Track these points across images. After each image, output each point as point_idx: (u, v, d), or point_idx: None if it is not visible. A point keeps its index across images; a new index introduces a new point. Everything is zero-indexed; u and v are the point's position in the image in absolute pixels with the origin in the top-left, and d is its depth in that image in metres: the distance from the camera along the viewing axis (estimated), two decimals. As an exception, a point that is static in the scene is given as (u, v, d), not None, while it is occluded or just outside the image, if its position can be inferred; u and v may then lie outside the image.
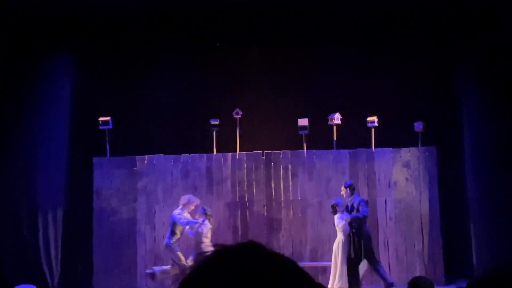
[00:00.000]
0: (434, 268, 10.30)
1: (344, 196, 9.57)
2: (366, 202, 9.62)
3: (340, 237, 9.38)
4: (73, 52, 10.95)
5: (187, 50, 11.17)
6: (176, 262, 9.52)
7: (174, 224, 9.57)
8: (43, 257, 10.40)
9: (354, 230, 9.23)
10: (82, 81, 10.97)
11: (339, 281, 9.28)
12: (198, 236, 9.47)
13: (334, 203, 9.54)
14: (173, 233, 9.55)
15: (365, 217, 9.28)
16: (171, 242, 9.54)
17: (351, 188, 9.53)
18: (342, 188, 9.65)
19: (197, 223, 9.49)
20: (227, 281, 0.94)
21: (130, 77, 11.08)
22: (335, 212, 9.48)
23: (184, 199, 9.76)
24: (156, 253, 10.63)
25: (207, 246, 9.33)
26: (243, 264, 0.96)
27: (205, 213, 9.56)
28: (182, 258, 9.50)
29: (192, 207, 9.67)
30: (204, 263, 0.99)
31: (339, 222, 9.37)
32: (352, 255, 9.23)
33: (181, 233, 9.63)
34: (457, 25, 10.35)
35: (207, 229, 9.48)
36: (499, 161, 9.97)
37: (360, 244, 9.20)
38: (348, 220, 9.26)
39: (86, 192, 10.60)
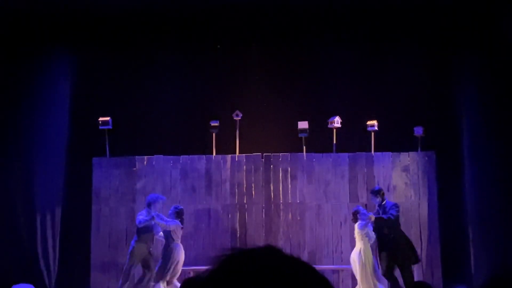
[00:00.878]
0: (432, 273, 10.29)
1: (374, 203, 9.47)
2: (396, 205, 9.34)
3: (359, 246, 9.17)
4: (73, 51, 10.95)
5: (187, 51, 11.17)
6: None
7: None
8: (41, 256, 10.40)
9: (385, 235, 9.07)
10: (82, 81, 10.97)
11: None
12: (166, 236, 9.31)
13: (355, 210, 9.38)
14: (138, 234, 9.34)
15: (390, 219, 9.06)
16: (136, 244, 9.35)
17: (381, 193, 9.41)
18: (372, 195, 9.55)
19: (149, 219, 9.13)
20: (243, 286, 0.93)
21: (130, 78, 11.08)
22: (355, 220, 9.28)
23: (147, 199, 9.56)
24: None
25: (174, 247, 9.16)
26: (260, 269, 0.95)
27: (176, 213, 9.36)
28: (134, 260, 9.37)
29: (159, 206, 9.44)
30: (220, 267, 0.98)
31: (360, 229, 9.16)
32: (387, 262, 9.06)
33: (150, 234, 9.40)
34: (458, 30, 10.35)
35: (174, 227, 9.23)
36: (498, 167, 9.96)
37: (396, 248, 9.01)
38: (373, 218, 9.03)
39: (85, 192, 10.60)
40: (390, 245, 9.08)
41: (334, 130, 10.61)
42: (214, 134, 10.77)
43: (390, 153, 10.64)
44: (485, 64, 10.18)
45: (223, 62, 11.07)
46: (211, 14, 10.65)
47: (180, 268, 9.43)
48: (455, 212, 10.30)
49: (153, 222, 9.32)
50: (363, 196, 10.57)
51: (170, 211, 9.47)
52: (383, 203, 9.31)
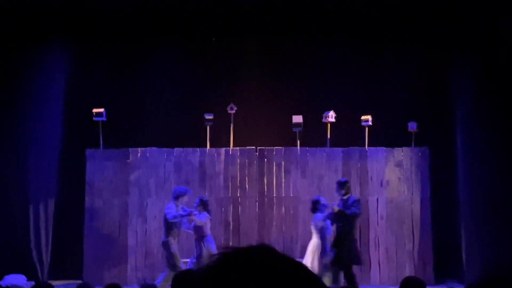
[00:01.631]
0: (424, 268, 10.35)
1: (338, 194, 9.19)
2: (359, 202, 9.17)
3: (315, 240, 8.95)
4: (67, 44, 10.90)
5: (182, 44, 11.15)
6: (168, 262, 8.88)
7: (165, 219, 8.95)
8: (34, 248, 10.38)
9: (342, 229, 8.78)
10: (76, 73, 10.93)
11: None
12: (198, 230, 8.93)
13: (315, 200, 9.12)
14: (168, 229, 8.89)
15: (352, 215, 8.80)
16: (167, 239, 8.86)
17: (346, 186, 9.14)
18: (337, 186, 9.26)
19: (186, 214, 8.75)
20: (236, 285, 0.93)
21: (125, 70, 11.05)
22: (315, 210, 9.04)
23: (174, 191, 9.19)
24: (147, 246, 10.63)
25: (208, 240, 8.84)
26: (254, 267, 0.95)
27: (202, 204, 9.02)
28: (177, 258, 8.84)
29: (186, 199, 8.99)
30: (214, 265, 0.98)
31: (319, 221, 8.91)
32: (345, 257, 8.77)
33: (178, 229, 8.96)
34: (453, 27, 10.36)
35: (206, 220, 8.93)
36: (491, 162, 10.00)
37: (348, 245, 8.77)
38: (336, 210, 8.70)
39: (78, 184, 10.58)
40: (343, 240, 8.80)
41: (328, 124, 10.62)
42: (208, 127, 10.76)
43: (384, 148, 10.66)
44: (479, 61, 10.20)
45: (218, 55, 11.06)
46: (206, 7, 10.63)
47: None
48: (448, 207, 10.35)
49: (183, 218, 8.93)
50: (356, 191, 10.59)
51: (195, 203, 9.04)
52: (345, 197, 9.02)
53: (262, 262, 0.96)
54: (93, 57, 10.99)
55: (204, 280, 0.97)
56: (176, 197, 9.00)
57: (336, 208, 8.79)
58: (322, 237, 8.99)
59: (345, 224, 8.80)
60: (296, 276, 0.96)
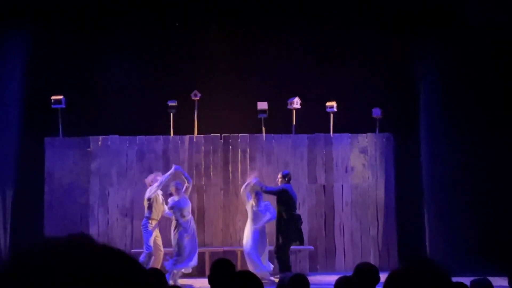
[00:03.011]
0: (388, 253, 10.47)
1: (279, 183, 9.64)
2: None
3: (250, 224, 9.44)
4: (25, 28, 10.47)
5: (145, 29, 10.87)
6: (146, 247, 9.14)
7: (145, 201, 9.27)
8: (-9, 239, 10.00)
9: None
10: (34, 59, 10.53)
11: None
12: (176, 213, 9.12)
13: (255, 182, 9.53)
14: (149, 212, 9.23)
15: (271, 192, 9.57)
16: (147, 222, 9.20)
17: (287, 178, 9.63)
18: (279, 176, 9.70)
19: (161, 182, 9.10)
20: (46, 273, 0.87)
21: (84, 55, 10.70)
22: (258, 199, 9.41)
23: (148, 179, 9.44)
24: (109, 236, 10.39)
25: (187, 223, 9.04)
26: (64, 257, 0.89)
27: (179, 188, 9.16)
28: (152, 242, 9.16)
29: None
30: (22, 256, 0.91)
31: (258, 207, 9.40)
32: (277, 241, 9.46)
33: (158, 213, 9.26)
34: (416, 12, 10.44)
35: (187, 206, 9.15)
36: (454, 148, 10.18)
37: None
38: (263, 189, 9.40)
39: (37, 173, 10.24)
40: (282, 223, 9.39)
41: (294, 111, 10.58)
42: (171, 114, 10.57)
43: (349, 134, 10.70)
44: (443, 46, 10.33)
45: (182, 42, 10.84)
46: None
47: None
48: (412, 193, 10.47)
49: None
50: (322, 177, 10.62)
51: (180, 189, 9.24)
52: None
53: (73, 252, 0.91)
54: (52, 43, 10.60)
55: (10, 270, 0.90)
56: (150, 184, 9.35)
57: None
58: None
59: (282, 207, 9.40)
60: (113, 266, 0.90)
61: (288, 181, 9.65)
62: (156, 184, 9.20)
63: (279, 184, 9.65)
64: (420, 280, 1.51)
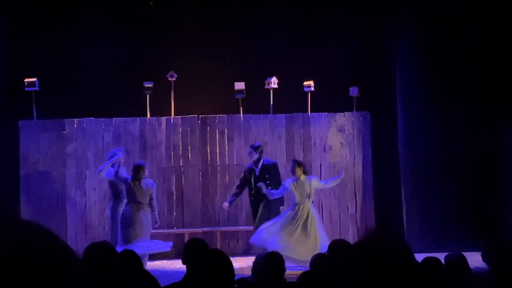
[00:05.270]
0: (366, 230, 10.54)
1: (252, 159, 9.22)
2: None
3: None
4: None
5: (119, 8, 10.68)
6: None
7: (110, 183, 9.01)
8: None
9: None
10: (5, 40, 10.32)
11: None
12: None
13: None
14: (114, 195, 8.97)
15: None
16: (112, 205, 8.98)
17: (259, 150, 9.19)
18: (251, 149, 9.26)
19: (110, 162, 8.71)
20: None
21: (58, 36, 10.50)
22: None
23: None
24: (87, 219, 10.32)
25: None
26: None
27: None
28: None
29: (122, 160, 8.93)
30: None
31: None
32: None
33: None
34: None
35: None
36: (432, 127, 10.24)
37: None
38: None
39: (12, 157, 10.09)
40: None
41: (271, 90, 10.54)
42: (148, 95, 10.47)
43: (326, 113, 10.70)
44: (420, 25, 10.34)
45: (156, 20, 10.68)
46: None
47: None
48: (389, 171, 10.54)
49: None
50: (300, 156, 10.62)
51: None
52: (259, 161, 9.19)
53: None
54: (24, 24, 10.38)
55: None
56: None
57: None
58: None
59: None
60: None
61: (261, 153, 9.23)
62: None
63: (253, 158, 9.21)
64: (376, 255, 1.49)
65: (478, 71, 10.15)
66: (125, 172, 8.84)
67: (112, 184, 9.02)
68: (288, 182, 8.69)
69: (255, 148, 9.29)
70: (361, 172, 10.60)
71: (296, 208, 8.57)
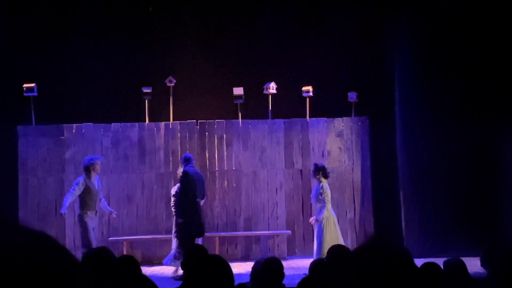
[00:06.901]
0: (365, 236, 10.54)
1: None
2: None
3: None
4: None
5: (119, 14, 10.70)
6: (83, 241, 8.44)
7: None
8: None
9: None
10: (5, 46, 10.33)
11: None
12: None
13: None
14: (82, 203, 8.50)
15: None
16: (81, 212, 8.50)
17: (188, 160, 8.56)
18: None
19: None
20: None
21: (57, 42, 10.51)
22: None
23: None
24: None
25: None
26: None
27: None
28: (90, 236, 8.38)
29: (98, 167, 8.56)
30: None
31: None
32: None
33: (95, 203, 8.53)
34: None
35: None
36: (430, 132, 10.24)
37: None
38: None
39: (10, 162, 10.08)
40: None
41: (270, 96, 10.56)
42: (146, 100, 10.48)
43: (325, 118, 10.72)
44: (418, 31, 10.36)
45: (155, 26, 10.70)
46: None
47: None
48: (388, 176, 10.54)
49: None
50: (299, 162, 10.64)
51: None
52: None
53: None
54: (24, 30, 10.40)
55: None
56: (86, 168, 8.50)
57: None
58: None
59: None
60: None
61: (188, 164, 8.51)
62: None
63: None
64: (375, 262, 1.50)
65: (476, 77, 10.16)
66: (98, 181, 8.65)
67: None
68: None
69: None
70: (359, 177, 10.61)
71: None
